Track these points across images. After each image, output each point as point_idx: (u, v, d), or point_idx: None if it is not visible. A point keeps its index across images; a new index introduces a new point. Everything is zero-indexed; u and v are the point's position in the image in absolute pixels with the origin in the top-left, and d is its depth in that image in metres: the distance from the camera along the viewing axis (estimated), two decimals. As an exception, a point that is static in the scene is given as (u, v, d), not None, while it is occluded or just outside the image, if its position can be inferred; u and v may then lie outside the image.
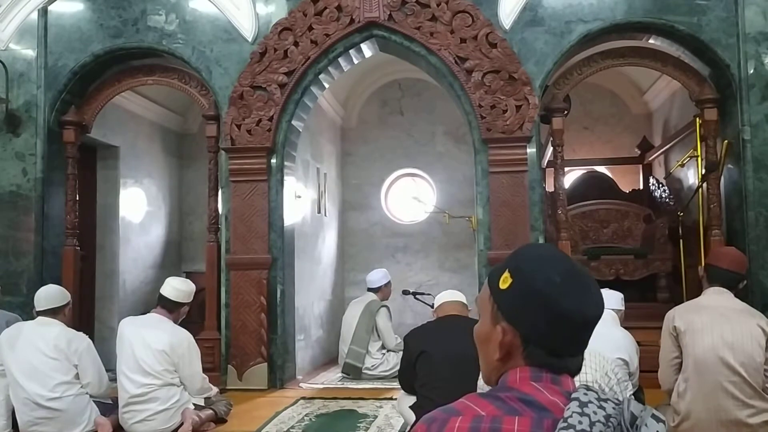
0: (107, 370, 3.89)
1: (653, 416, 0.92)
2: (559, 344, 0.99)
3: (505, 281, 1.02)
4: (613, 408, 0.91)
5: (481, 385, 2.02)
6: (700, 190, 5.19)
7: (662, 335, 3.23)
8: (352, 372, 5.77)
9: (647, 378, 3.48)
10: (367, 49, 5.46)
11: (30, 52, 5.52)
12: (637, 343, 3.35)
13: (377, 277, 6.19)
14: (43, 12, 5.53)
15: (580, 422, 0.88)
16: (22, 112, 5.47)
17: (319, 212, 7.14)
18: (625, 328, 3.43)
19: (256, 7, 5.37)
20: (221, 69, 5.37)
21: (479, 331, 1.08)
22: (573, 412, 0.90)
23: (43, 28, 5.52)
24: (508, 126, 4.98)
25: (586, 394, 0.93)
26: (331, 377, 5.94)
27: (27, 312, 4.46)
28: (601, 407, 0.90)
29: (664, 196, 6.77)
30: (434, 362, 3.04)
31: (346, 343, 5.87)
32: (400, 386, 3.38)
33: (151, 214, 7.29)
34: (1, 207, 5.43)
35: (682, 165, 5.82)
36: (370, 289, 6.17)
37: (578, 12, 5.05)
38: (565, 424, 0.89)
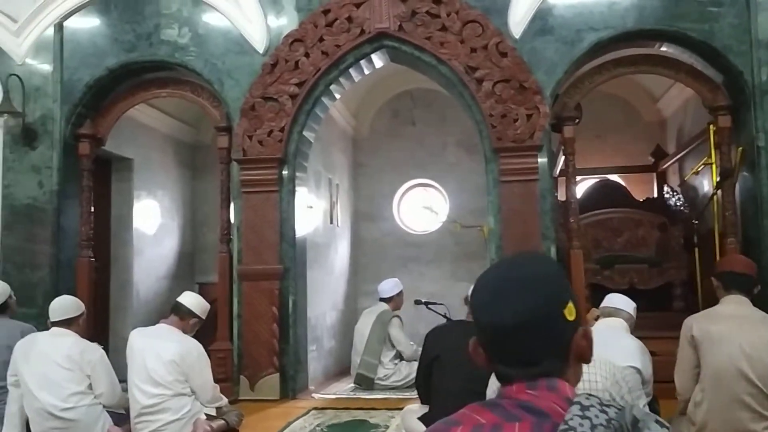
0: (120, 381, 3.90)
1: (657, 422, 0.91)
2: (492, 354, 1.02)
3: None
4: (616, 412, 0.90)
5: (489, 393, 2.00)
6: (715, 197, 5.14)
7: (680, 344, 3.19)
8: (364, 382, 5.75)
9: (663, 388, 3.43)
10: (377, 60, 5.48)
11: (46, 67, 5.61)
12: (652, 353, 3.31)
13: (389, 286, 6.17)
14: (59, 27, 5.62)
15: (581, 425, 0.88)
16: (39, 125, 5.55)
17: (331, 222, 7.15)
18: (640, 337, 3.39)
19: (267, 19, 5.41)
20: (233, 81, 5.41)
21: None
22: (574, 415, 0.89)
23: (59, 43, 5.60)
24: (518, 135, 4.97)
25: (588, 398, 0.92)
26: (344, 387, 5.93)
27: (42, 323, 4.49)
28: (603, 411, 0.90)
29: (678, 204, 6.71)
30: (446, 370, 3.02)
31: (359, 353, 5.86)
32: (415, 395, 3.34)
33: (164, 225, 7.34)
34: (18, 220, 5.50)
35: (697, 173, 5.78)
36: (382, 299, 6.15)
37: (588, 20, 5.04)
38: (566, 427, 0.88)
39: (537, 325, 0.99)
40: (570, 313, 1.00)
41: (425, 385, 3.13)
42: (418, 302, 6.40)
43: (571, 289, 1.05)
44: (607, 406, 0.91)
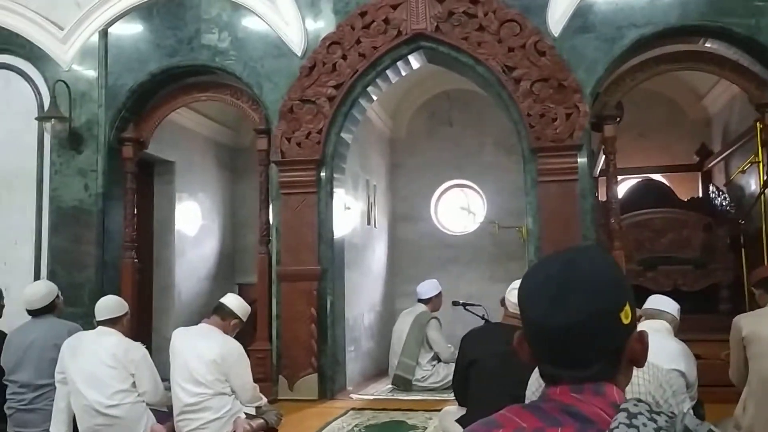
0: (163, 380, 3.98)
1: (710, 431, 0.86)
2: (538, 352, 0.98)
3: None
4: (666, 421, 0.85)
5: (529, 396, 1.98)
6: (762, 196, 4.99)
7: (731, 344, 3.16)
8: (402, 384, 5.75)
9: (708, 392, 3.34)
10: (414, 61, 5.48)
11: (91, 73, 5.77)
12: (697, 356, 3.23)
13: (427, 287, 6.15)
14: (104, 34, 5.77)
15: None
16: (84, 130, 5.71)
17: (368, 224, 7.17)
18: (684, 340, 3.31)
19: (305, 22, 5.46)
20: (271, 84, 5.47)
21: None
22: (620, 423, 0.84)
23: (104, 49, 5.76)
24: (557, 134, 4.90)
25: (636, 405, 0.87)
26: (381, 388, 5.93)
27: (89, 322, 4.61)
28: (652, 419, 0.85)
29: (724, 203, 6.53)
30: (484, 375, 2.99)
31: (397, 354, 5.86)
32: (453, 397, 3.33)
33: (205, 227, 7.47)
34: (64, 222, 5.67)
35: (743, 171, 5.62)
36: (420, 300, 6.13)
37: (630, 17, 4.94)
38: None
39: (591, 327, 0.93)
40: (626, 316, 0.95)
41: (462, 388, 3.12)
42: (455, 303, 6.36)
43: (630, 290, 0.99)
44: (657, 413, 0.86)
